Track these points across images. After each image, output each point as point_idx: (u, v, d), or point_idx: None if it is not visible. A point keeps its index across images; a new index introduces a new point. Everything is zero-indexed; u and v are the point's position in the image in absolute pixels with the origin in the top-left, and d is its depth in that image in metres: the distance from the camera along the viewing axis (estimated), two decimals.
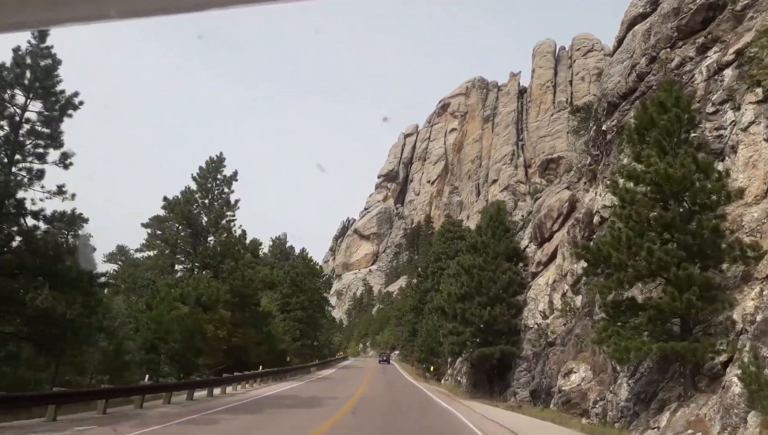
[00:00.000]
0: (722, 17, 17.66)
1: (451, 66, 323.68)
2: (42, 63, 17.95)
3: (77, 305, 18.08)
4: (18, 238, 16.28)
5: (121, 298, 35.47)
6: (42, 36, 18.11)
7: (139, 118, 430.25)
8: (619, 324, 13.40)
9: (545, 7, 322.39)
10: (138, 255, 44.88)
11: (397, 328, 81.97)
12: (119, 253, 74.43)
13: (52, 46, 18.25)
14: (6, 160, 16.95)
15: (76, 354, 18.51)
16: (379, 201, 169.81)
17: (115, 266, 63.93)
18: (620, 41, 24.20)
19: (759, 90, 14.73)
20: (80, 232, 45.93)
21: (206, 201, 32.42)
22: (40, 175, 17.30)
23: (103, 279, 19.65)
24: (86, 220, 46.02)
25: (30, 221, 16.92)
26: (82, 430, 11.44)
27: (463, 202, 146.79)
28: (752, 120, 14.64)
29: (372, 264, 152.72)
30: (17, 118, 17.30)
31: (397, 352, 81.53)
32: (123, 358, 22.05)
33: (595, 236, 19.85)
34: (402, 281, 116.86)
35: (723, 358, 11.84)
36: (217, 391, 21.77)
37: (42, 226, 16.81)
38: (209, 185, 32.65)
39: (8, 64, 17.28)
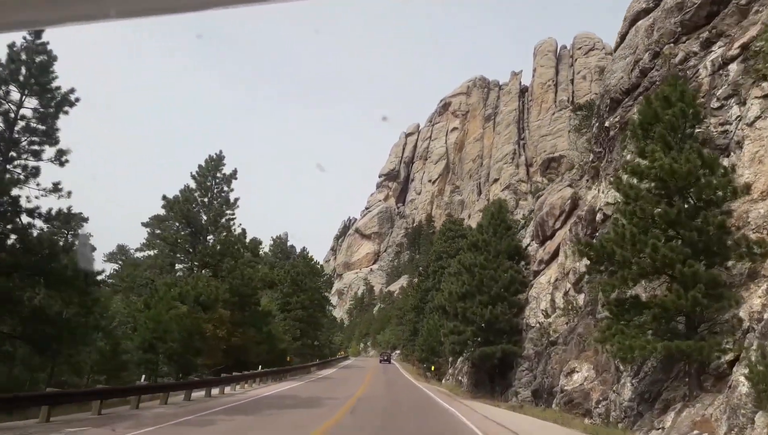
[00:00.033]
0: (727, 11, 17.40)
1: (452, 65, 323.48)
2: (37, 59, 17.74)
3: (74, 304, 17.89)
4: (13, 237, 16.05)
5: (120, 297, 35.32)
6: (37, 32, 17.90)
7: (140, 118, 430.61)
8: (623, 322, 13.15)
9: (546, 6, 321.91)
10: (138, 254, 44.78)
11: (398, 328, 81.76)
12: (119, 253, 74.29)
13: (47, 43, 18.05)
14: (1, 157, 16.74)
15: (72, 354, 18.29)
16: (380, 200, 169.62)
17: (115, 266, 63.79)
18: (623, 37, 23.93)
19: (765, 84, 14.46)
20: (80, 231, 45.55)
21: (205, 199, 32.20)
22: (35, 172, 17.11)
23: (99, 277, 19.38)
24: (86, 220, 45.47)
25: (26, 219, 16.75)
26: (75, 431, 11.23)
27: (465, 201, 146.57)
28: (758, 115, 14.37)
29: (373, 263, 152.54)
30: (12, 115, 17.10)
31: (398, 351, 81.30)
32: (120, 358, 21.85)
33: (597, 234, 19.59)
34: (403, 280, 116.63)
35: (729, 357, 11.59)
36: (215, 391, 21.54)
37: (37, 223, 16.60)
38: (208, 184, 32.43)
39: (3, 60, 17.09)
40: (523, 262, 29.41)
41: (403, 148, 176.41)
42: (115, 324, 26.42)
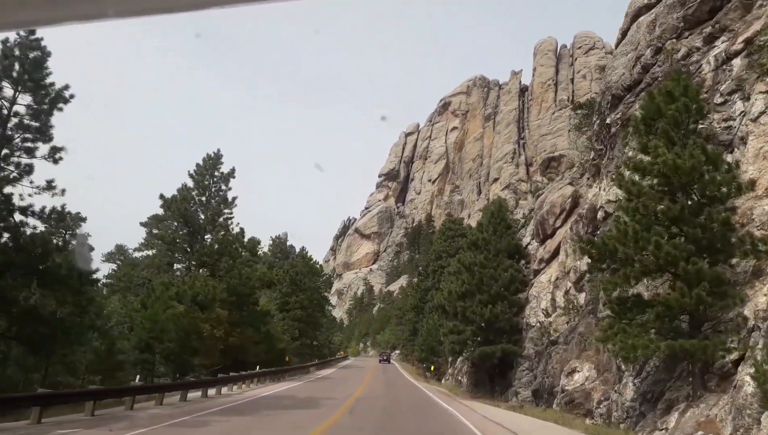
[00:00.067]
0: (730, 6, 17.15)
1: (452, 65, 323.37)
2: (31, 55, 17.50)
3: (68, 304, 17.66)
4: (5, 235, 15.81)
5: (117, 297, 35.09)
6: (31, 29, 17.66)
7: (140, 117, 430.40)
8: (625, 321, 12.92)
9: (546, 5, 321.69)
10: (137, 254, 44.54)
11: (397, 328, 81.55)
12: (118, 253, 74.01)
13: (41, 39, 17.82)
14: None
15: (66, 354, 18.07)
16: (379, 200, 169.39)
17: (114, 266, 63.53)
18: (624, 33, 23.68)
19: None
20: (78, 231, 45.29)
21: (203, 198, 31.94)
22: (29, 169, 16.87)
23: (94, 277, 19.14)
24: (84, 219, 45.30)
25: (19, 217, 16.51)
26: (66, 432, 10.99)
27: (464, 200, 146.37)
28: (762, 110, 14.13)
29: (373, 263, 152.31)
30: (5, 112, 16.85)
31: (397, 351, 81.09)
32: (116, 358, 21.61)
33: (599, 232, 19.36)
34: (403, 280, 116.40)
35: (734, 356, 11.36)
36: (212, 391, 21.29)
37: (31, 222, 16.36)
38: (206, 182, 32.17)
39: None
40: (523, 261, 29.18)
41: (403, 148, 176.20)
42: (112, 324, 26.15)
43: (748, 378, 10.13)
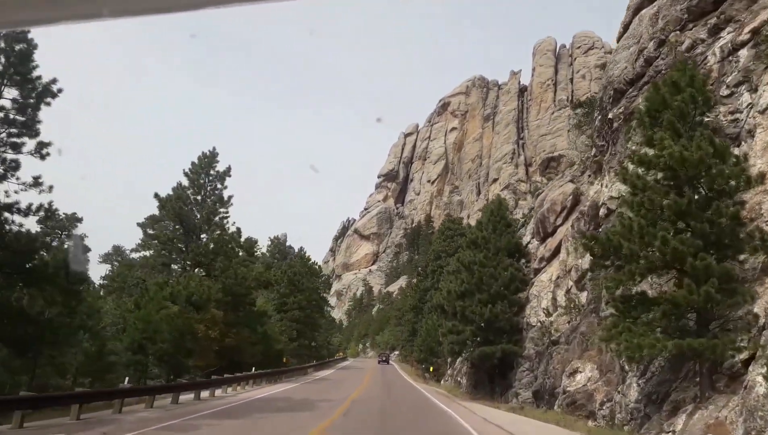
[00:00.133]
0: None
1: (451, 65, 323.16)
2: (17, 47, 17.02)
3: (56, 304, 17.18)
4: None
5: (112, 297, 34.60)
6: None
7: (139, 118, 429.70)
8: (629, 320, 12.45)
9: (545, 5, 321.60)
10: (134, 255, 44.05)
11: (396, 329, 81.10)
12: (115, 254, 73.50)
13: (28, 31, 17.32)
14: None
15: (55, 355, 17.57)
16: (379, 201, 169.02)
17: (111, 266, 63.00)
18: (626, 27, 23.26)
19: None
20: (74, 231, 44.82)
21: (199, 197, 31.50)
22: (15, 165, 16.38)
23: (84, 276, 18.63)
24: (80, 220, 44.85)
25: (5, 215, 16.01)
26: None
27: (464, 201, 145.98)
28: None
29: (372, 264, 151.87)
30: None
31: (396, 352, 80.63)
32: (106, 360, 21.11)
33: (601, 229, 18.90)
34: (402, 281, 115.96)
35: (744, 355, 10.89)
36: (205, 393, 20.77)
37: (16, 219, 15.87)
38: (202, 181, 31.74)
39: None
40: (523, 260, 28.72)
41: (402, 149, 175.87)
42: (104, 325, 25.64)
43: (759, 378, 9.67)
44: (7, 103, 16.62)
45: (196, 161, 31.96)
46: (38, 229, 18.65)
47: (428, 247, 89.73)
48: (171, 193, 30.95)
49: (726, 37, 16.45)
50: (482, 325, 25.85)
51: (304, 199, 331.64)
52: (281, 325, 44.25)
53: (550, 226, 26.71)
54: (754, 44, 15.08)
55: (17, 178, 16.31)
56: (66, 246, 32.20)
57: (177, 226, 31.17)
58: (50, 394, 14.38)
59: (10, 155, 16.16)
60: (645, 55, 19.83)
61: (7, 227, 15.33)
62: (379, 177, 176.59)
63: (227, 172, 32.24)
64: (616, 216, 15.77)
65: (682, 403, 12.21)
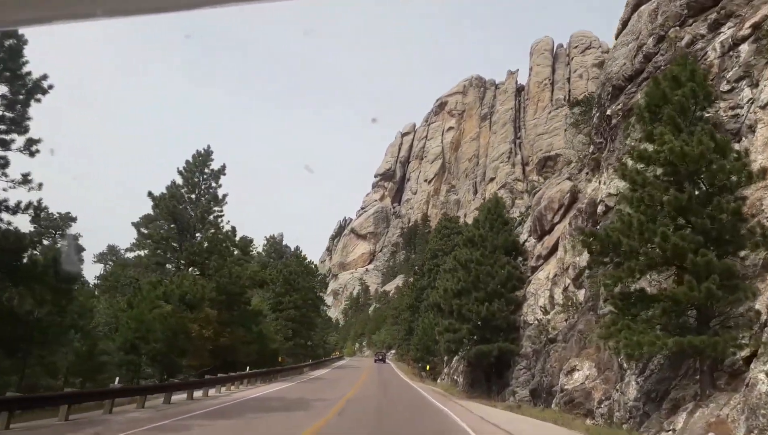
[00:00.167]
0: None
1: (448, 65, 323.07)
2: (6, 43, 16.70)
3: (46, 303, 16.88)
4: None
5: (105, 297, 34.25)
6: None
7: (137, 117, 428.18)
8: (629, 317, 12.25)
9: (543, 5, 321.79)
10: (129, 255, 43.69)
11: (393, 328, 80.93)
12: (110, 253, 73.06)
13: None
14: None
15: (44, 355, 17.24)
16: (375, 200, 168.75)
17: (106, 266, 62.53)
18: (625, 23, 23.08)
19: None
20: (68, 231, 44.24)
21: (193, 196, 31.17)
22: (3, 163, 16.07)
23: (75, 275, 18.32)
24: (74, 219, 44.39)
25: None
26: None
27: (461, 200, 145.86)
28: None
29: (369, 263, 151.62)
30: None
31: (393, 351, 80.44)
32: (97, 360, 20.79)
33: (599, 226, 18.71)
34: (399, 280, 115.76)
35: (746, 352, 10.71)
36: (198, 393, 20.48)
37: (5, 217, 15.55)
38: (196, 179, 31.40)
39: None
40: (520, 258, 28.53)
41: (399, 148, 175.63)
42: (95, 325, 25.31)
43: (762, 376, 9.48)
44: None
45: (190, 159, 31.64)
46: (32, 229, 18.30)
47: (425, 246, 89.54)
48: (165, 191, 30.64)
49: (726, 32, 16.28)
50: (479, 323, 25.65)
51: (301, 199, 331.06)
52: (277, 324, 43.97)
53: (547, 224, 26.53)
54: (755, 39, 14.91)
55: (5, 176, 16.02)
56: (58, 245, 31.83)
57: (171, 225, 30.85)
58: (37, 395, 14.08)
59: None
60: (644, 51, 19.65)
61: None
62: (375, 176, 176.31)
63: (222, 170, 31.93)
64: (615, 213, 15.59)
65: (681, 401, 12.03)
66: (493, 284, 25.60)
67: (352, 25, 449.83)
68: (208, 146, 32.09)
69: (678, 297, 11.14)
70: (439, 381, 38.61)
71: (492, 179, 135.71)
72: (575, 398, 17.13)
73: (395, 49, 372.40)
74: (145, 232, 32.73)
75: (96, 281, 46.81)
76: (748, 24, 15.20)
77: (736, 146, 13.64)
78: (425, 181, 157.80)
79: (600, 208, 19.99)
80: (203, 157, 32.00)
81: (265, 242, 74.32)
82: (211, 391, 22.15)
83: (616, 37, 23.83)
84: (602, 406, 15.95)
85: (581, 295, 20.65)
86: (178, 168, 31.11)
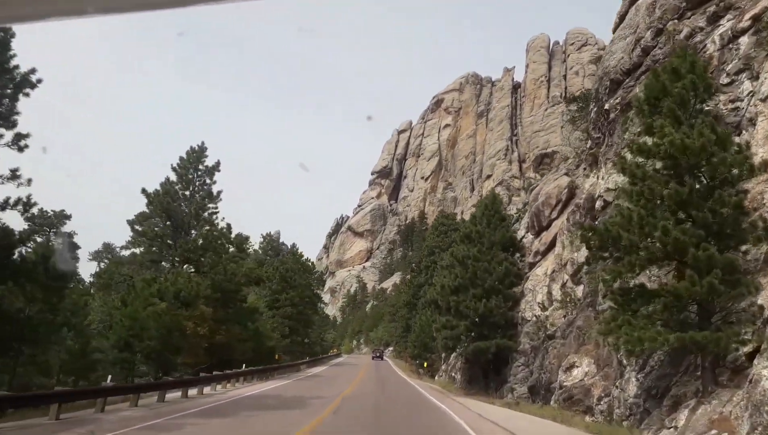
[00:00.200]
0: None
1: (444, 62, 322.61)
2: None
3: (37, 301, 16.61)
4: None
5: (100, 295, 33.94)
6: None
7: (136, 115, 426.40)
8: (629, 313, 12.07)
9: (539, 2, 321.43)
10: (125, 253, 43.35)
11: (390, 325, 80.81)
12: (105, 251, 72.54)
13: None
14: None
15: (36, 353, 16.97)
16: (372, 198, 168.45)
17: (102, 264, 62.08)
18: (622, 17, 22.89)
19: None
20: (62, 229, 43.59)
21: (187, 192, 30.84)
22: None
23: (66, 272, 18.02)
24: (68, 217, 43.78)
25: None
26: None
27: (458, 197, 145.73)
28: None
29: (366, 261, 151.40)
30: None
31: (391, 348, 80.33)
32: (90, 358, 20.51)
33: (597, 221, 18.53)
34: (396, 278, 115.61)
35: (748, 348, 10.54)
36: (193, 391, 20.23)
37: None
38: (190, 176, 31.07)
39: None
40: (518, 254, 28.36)
41: (396, 146, 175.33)
42: (89, 322, 25.02)
43: (766, 372, 9.29)
44: None
45: (184, 156, 31.31)
46: (26, 226, 17.98)
47: (422, 243, 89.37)
48: (159, 188, 30.31)
49: (726, 24, 16.11)
50: (476, 320, 25.49)
51: (299, 198, 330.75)
52: (273, 321, 43.72)
53: (545, 220, 26.35)
54: (755, 31, 14.73)
55: None
56: (50, 243, 31.43)
57: (166, 223, 30.55)
58: (27, 394, 13.80)
59: None
60: (642, 45, 19.46)
61: None
62: (372, 174, 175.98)
63: (216, 167, 31.61)
64: (614, 207, 15.41)
65: (683, 397, 11.87)
66: (491, 281, 25.43)
67: (348, 23, 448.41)
68: (202, 142, 31.77)
69: (679, 292, 10.96)
70: (436, 378, 38.48)
71: (489, 176, 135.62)
72: (574, 395, 16.98)
73: (392, 47, 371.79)
74: (140, 229, 32.42)
75: (91, 279, 46.52)
76: (747, 16, 15.03)
77: (737, 139, 13.47)
78: (422, 178, 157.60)
79: (598, 204, 19.83)
80: (197, 154, 31.66)
81: (262, 240, 74.03)
82: (206, 389, 21.91)
83: (614, 31, 23.64)
84: (602, 402, 15.80)
85: (580, 291, 20.49)
86: (171, 164, 30.79)
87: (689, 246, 10.88)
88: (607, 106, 20.79)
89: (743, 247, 11.87)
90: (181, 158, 31.18)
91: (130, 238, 36.85)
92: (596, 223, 18.84)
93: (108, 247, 70.93)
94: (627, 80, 19.83)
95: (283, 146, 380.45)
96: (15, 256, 15.47)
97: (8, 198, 15.65)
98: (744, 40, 14.96)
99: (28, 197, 15.65)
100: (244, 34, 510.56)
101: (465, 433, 13.04)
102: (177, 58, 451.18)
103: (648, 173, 12.38)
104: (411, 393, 25.20)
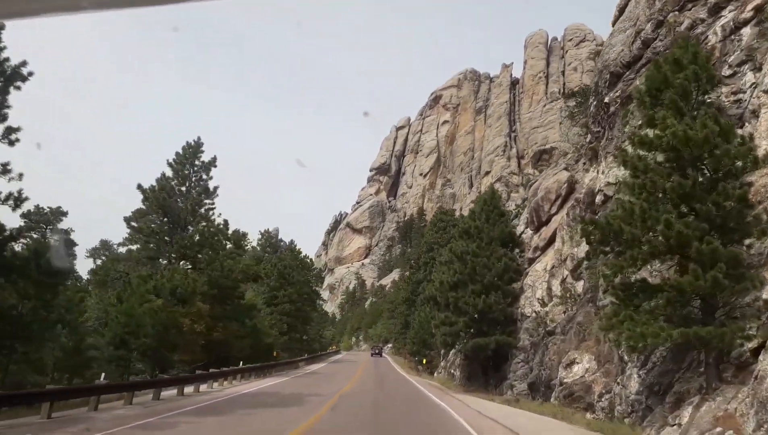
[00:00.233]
0: None
1: (442, 59, 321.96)
2: None
3: (30, 297, 16.35)
4: None
5: (96, 292, 33.68)
6: None
7: (135, 114, 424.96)
8: (631, 308, 11.85)
9: (540, 2, 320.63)
10: (122, 250, 43.07)
11: (389, 321, 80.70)
12: (103, 248, 72.17)
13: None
14: None
15: (29, 351, 16.72)
16: (371, 194, 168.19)
17: (99, 261, 61.71)
18: (621, 9, 22.62)
19: None
20: (59, 225, 43.13)
21: (183, 188, 30.57)
22: None
23: (59, 268, 17.74)
24: (65, 214, 43.27)
25: None
26: None
27: (456, 194, 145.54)
28: None
29: (364, 257, 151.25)
30: None
31: (390, 345, 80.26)
32: (85, 355, 20.28)
33: (598, 216, 18.30)
34: (395, 274, 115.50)
35: (754, 344, 10.34)
36: (190, 389, 20.01)
37: None
38: (186, 172, 30.79)
39: None
40: (517, 250, 28.14)
41: (394, 142, 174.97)
42: (85, 319, 24.75)
43: None
44: None
45: (180, 151, 31.02)
46: (23, 223, 17.65)
47: (420, 239, 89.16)
48: (155, 184, 30.04)
49: (727, 15, 15.86)
50: (475, 316, 25.28)
51: (298, 197, 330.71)
52: (271, 318, 43.50)
53: (544, 215, 26.13)
54: (758, 21, 14.50)
55: None
56: (45, 239, 31.06)
57: (163, 219, 30.29)
58: (18, 392, 13.55)
59: None
60: (642, 37, 19.21)
61: None
62: (371, 170, 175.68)
63: (213, 162, 31.33)
64: (614, 201, 15.18)
65: (686, 394, 11.67)
66: (490, 276, 25.21)
67: (347, 21, 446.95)
68: (198, 138, 31.48)
69: (683, 286, 10.74)
70: (435, 375, 38.31)
71: (487, 173, 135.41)
72: (575, 392, 16.79)
73: (391, 45, 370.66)
74: (136, 226, 32.15)
75: (89, 277, 46.24)
76: (750, 6, 14.78)
77: (739, 132, 13.25)
78: (420, 174, 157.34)
79: (598, 198, 19.60)
80: (193, 149, 31.38)
81: (260, 237, 73.73)
82: (203, 387, 21.69)
83: (613, 24, 23.37)
84: (603, 399, 15.61)
85: (580, 286, 20.29)
86: (167, 160, 30.51)
87: (693, 239, 10.66)
88: (607, 100, 20.55)
89: (747, 241, 11.65)
90: (177, 153, 30.92)
91: (127, 235, 36.65)
92: (597, 217, 18.63)
93: (106, 244, 70.60)
94: (627, 73, 19.58)
95: (282, 146, 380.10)
96: (6, 252, 15.20)
97: None
98: (746, 31, 14.73)
99: (20, 192, 15.37)
100: (245, 33, 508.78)
101: (464, 431, 12.84)
102: (177, 58, 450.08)
103: (650, 166, 12.15)
104: (410, 390, 25.02)
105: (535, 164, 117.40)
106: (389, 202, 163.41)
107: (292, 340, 47.31)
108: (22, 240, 16.80)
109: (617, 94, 19.71)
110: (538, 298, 23.87)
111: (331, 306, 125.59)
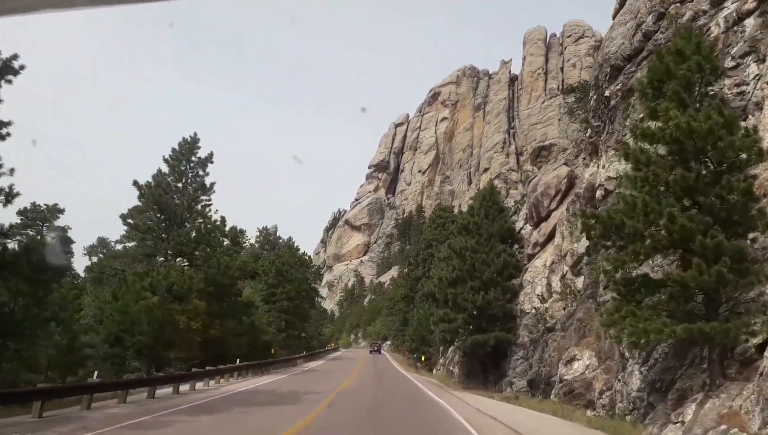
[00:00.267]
0: None
1: (441, 55, 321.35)
2: None
3: (23, 295, 16.09)
4: None
5: (92, 289, 33.43)
6: None
7: (139, 116, 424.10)
8: (633, 304, 11.63)
9: (540, 2, 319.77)
10: (119, 247, 42.80)
11: (388, 318, 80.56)
12: (100, 246, 71.86)
13: None
14: None
15: (21, 348, 16.47)
16: (369, 191, 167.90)
17: (95, 259, 61.47)
18: (622, 2, 22.37)
19: None
20: (55, 223, 42.77)
21: (179, 184, 30.28)
22: None
23: (53, 265, 17.47)
24: (61, 211, 42.97)
25: None
26: None
27: (455, 191, 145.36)
28: None
29: (363, 255, 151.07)
30: None
31: (388, 342, 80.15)
32: (79, 353, 20.03)
33: (599, 210, 18.07)
34: (393, 271, 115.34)
35: (758, 339, 10.12)
36: (185, 387, 19.77)
37: None
38: (182, 168, 30.50)
39: None
40: (516, 246, 27.92)
41: (393, 139, 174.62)
42: (81, 317, 24.50)
43: None
44: None
45: (176, 147, 30.72)
46: (18, 220, 17.35)
47: (419, 236, 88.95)
48: (151, 180, 29.75)
49: (730, 6, 15.62)
50: (474, 312, 25.08)
51: (297, 196, 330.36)
52: (269, 315, 43.29)
53: (544, 211, 25.90)
54: (761, 12, 14.26)
55: None
56: (41, 236, 30.75)
57: (159, 216, 30.02)
58: (5, 391, 13.28)
59: None
60: (643, 30, 18.96)
61: None
62: (369, 167, 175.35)
63: (209, 158, 31.04)
64: (615, 195, 14.96)
65: (689, 391, 11.46)
66: (489, 272, 25.00)
67: (346, 20, 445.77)
68: (195, 133, 31.21)
69: (686, 281, 10.52)
70: (434, 372, 38.14)
71: (486, 169, 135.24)
72: (575, 389, 16.59)
73: (391, 44, 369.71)
74: (131, 222, 31.85)
75: (85, 274, 45.98)
76: None
77: (743, 124, 13.02)
78: (419, 171, 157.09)
79: (599, 193, 19.38)
80: (189, 145, 31.08)
81: (258, 234, 73.43)
82: (199, 385, 21.45)
83: (614, 17, 23.11)
84: (604, 396, 15.42)
85: (580, 282, 20.09)
86: (163, 156, 30.22)
87: (696, 233, 10.43)
88: (607, 93, 20.31)
89: (751, 235, 11.44)
90: (173, 149, 30.61)
91: (124, 233, 36.34)
92: (598, 211, 18.41)
93: (103, 242, 70.33)
94: (628, 66, 19.34)
95: (282, 145, 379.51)
96: None
97: None
98: (749, 22, 14.49)
99: (11, 187, 15.10)
100: (243, 32, 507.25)
101: (463, 429, 12.62)
102: (177, 58, 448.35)
103: (652, 158, 11.91)
104: (408, 387, 24.82)
105: (534, 161, 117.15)
106: (388, 199, 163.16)
107: (290, 337, 47.12)
108: (17, 237, 16.44)
109: (618, 87, 19.47)
110: (538, 295, 23.67)
111: (329, 303, 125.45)
